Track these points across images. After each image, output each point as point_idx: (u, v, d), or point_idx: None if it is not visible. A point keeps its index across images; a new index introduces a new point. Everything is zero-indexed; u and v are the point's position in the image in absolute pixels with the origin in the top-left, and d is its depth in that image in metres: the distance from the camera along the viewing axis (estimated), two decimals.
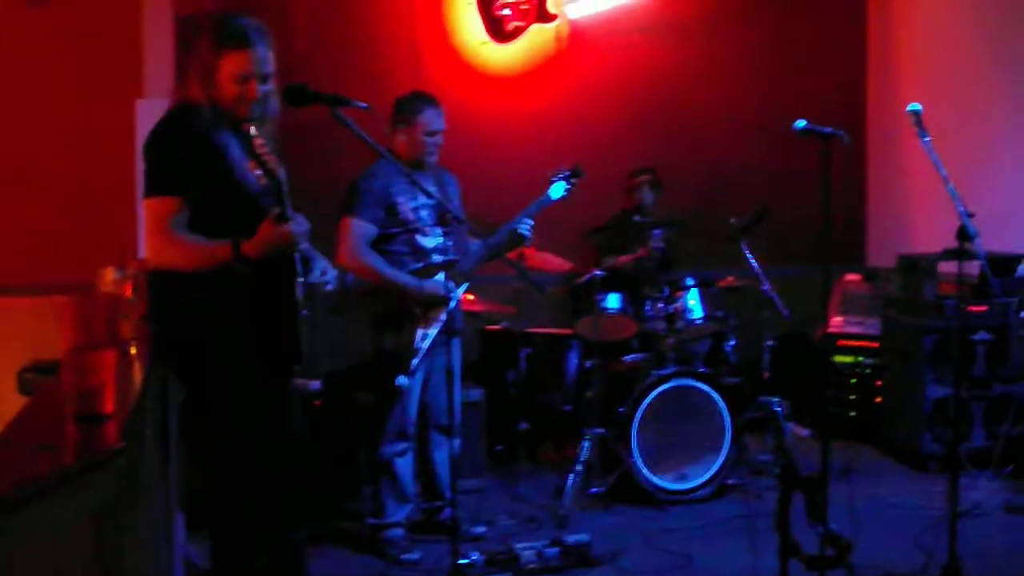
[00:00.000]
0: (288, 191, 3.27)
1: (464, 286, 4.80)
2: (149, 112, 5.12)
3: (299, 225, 3.29)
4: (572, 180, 5.06)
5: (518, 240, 4.87)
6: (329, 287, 3.55)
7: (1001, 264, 5.45)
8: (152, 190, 3.26)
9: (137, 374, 2.99)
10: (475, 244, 4.91)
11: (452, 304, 4.49)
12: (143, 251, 3.62)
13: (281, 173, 3.27)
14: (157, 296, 3.36)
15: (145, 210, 3.28)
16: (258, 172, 3.28)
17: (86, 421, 2.40)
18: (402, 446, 4.82)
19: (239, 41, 3.27)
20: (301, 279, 3.40)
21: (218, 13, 3.42)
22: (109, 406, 2.42)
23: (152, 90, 5.85)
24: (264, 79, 3.33)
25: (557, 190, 5.03)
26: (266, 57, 3.32)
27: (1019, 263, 5.93)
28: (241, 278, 3.21)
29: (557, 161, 4.89)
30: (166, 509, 3.71)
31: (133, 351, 3.17)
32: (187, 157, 3.22)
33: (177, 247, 3.23)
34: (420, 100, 4.83)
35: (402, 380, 4.49)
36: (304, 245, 3.41)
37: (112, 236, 5.09)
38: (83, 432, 2.37)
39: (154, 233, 3.25)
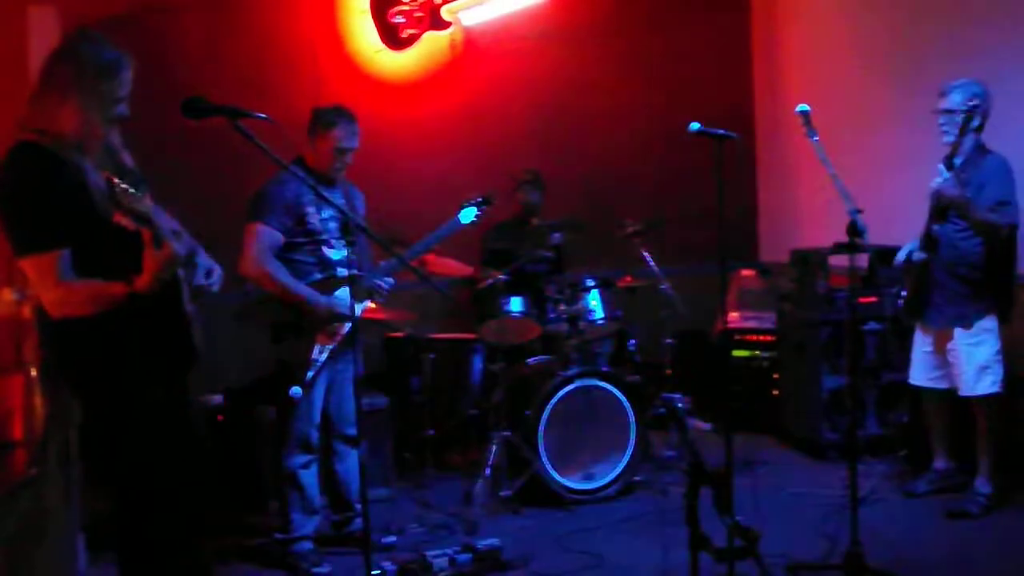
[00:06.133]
0: (147, 189, 3.18)
1: (366, 302, 4.79)
2: None
3: (176, 241, 3.20)
4: (482, 207, 5.16)
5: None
6: (215, 288, 3.49)
7: (888, 256, 5.63)
8: (32, 248, 3.10)
9: (38, 398, 2.92)
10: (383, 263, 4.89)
11: (353, 321, 4.45)
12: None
13: (146, 199, 3.09)
14: (47, 321, 3.22)
15: (29, 270, 3.13)
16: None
17: None
18: (306, 458, 4.78)
19: (118, 65, 3.23)
20: (185, 281, 3.34)
21: (79, 39, 3.30)
22: (18, 432, 2.36)
23: None
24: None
25: (467, 215, 5.12)
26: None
27: None
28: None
29: (453, 167, 4.89)
30: (70, 534, 3.63)
31: (34, 373, 3.09)
32: (62, 206, 3.08)
33: (75, 297, 3.11)
34: (335, 115, 4.77)
35: (295, 391, 4.49)
36: (189, 243, 3.34)
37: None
38: None
39: (48, 289, 3.11)
